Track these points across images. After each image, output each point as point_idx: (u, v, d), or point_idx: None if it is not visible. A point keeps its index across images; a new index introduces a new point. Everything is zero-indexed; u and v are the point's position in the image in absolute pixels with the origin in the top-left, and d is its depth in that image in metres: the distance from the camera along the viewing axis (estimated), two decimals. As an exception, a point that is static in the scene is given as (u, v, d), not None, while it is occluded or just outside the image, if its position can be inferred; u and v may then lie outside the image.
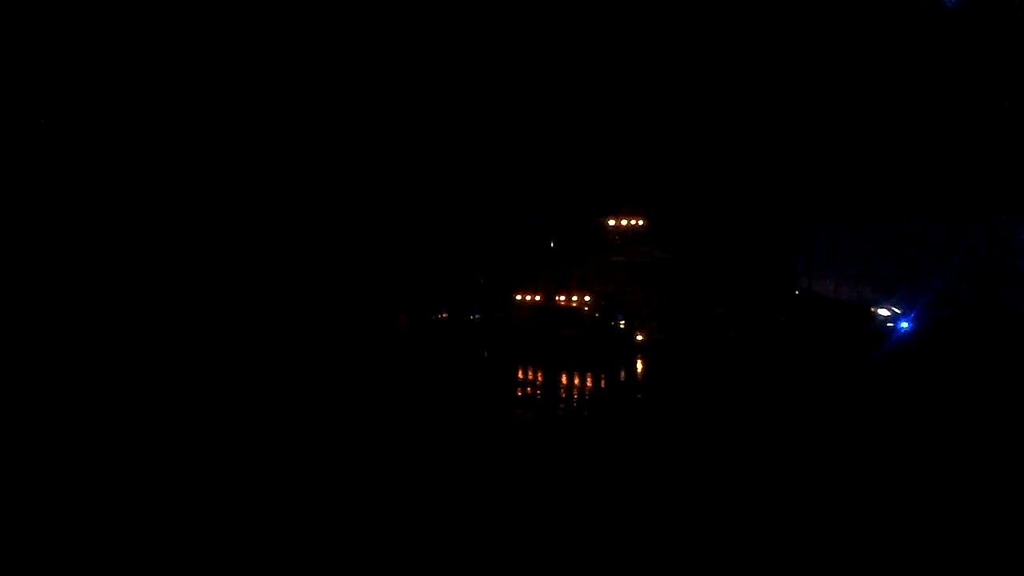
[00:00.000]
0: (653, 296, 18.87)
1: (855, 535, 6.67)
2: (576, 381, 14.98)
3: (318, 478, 8.21)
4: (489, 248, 23.63)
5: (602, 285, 19.93)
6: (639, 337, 18.79)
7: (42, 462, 8.95)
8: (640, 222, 21.41)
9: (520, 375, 15.78)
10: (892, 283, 21.71)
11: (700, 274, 19.30)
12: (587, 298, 20.23)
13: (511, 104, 28.27)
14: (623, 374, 16.13)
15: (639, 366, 16.95)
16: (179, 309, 23.59)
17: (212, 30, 26.48)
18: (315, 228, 26.70)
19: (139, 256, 24.48)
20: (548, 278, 21.16)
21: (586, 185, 26.64)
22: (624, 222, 21.25)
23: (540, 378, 15.30)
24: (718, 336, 18.30)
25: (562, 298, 20.82)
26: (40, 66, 24.64)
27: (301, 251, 26.30)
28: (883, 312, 19.98)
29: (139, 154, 25.53)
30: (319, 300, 25.26)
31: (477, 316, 23.45)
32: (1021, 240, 20.52)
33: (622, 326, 19.29)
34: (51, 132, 24.58)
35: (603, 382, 15.02)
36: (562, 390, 14.03)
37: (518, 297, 22.00)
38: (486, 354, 19.57)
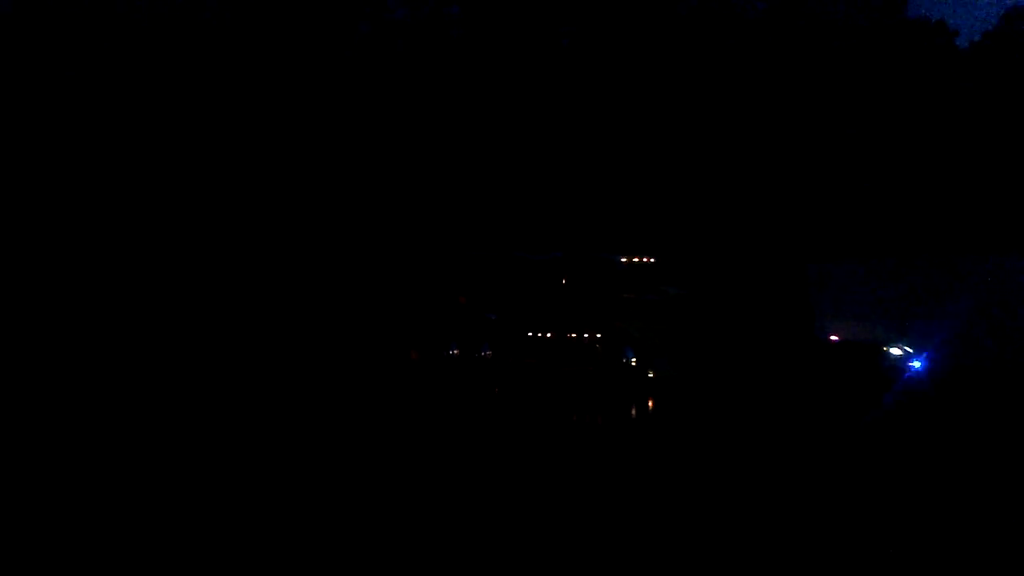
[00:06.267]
0: (664, 333, 18.91)
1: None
2: (587, 417, 14.96)
3: (324, 507, 8.22)
4: (500, 285, 23.68)
5: (613, 322, 19.96)
6: (650, 374, 18.79)
7: (42, 462, 8.98)
8: (651, 259, 21.48)
9: (531, 411, 15.78)
10: (904, 323, 21.60)
11: (711, 311, 19.34)
12: (598, 335, 20.25)
13: (523, 141, 28.48)
14: (634, 410, 16.11)
15: (650, 402, 16.93)
16: (196, 343, 23.68)
17: (217, 39, 26.85)
18: (327, 263, 26.83)
19: (144, 278, 24.59)
20: (559, 315, 21.20)
21: (598, 222, 26.74)
22: (635, 259, 21.33)
23: (551, 414, 15.28)
24: (728, 372, 18.30)
25: (573, 335, 20.83)
26: (41, 66, 24.99)
27: (312, 286, 26.41)
28: (895, 352, 19.92)
29: (143, 162, 25.75)
30: (331, 334, 25.31)
31: (488, 352, 23.43)
32: None
33: (633, 363, 19.30)
34: (51, 132, 24.83)
35: (614, 418, 15.00)
36: (573, 426, 14.03)
37: (529, 333, 22.01)
38: (497, 390, 19.57)
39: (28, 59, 25.00)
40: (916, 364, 19.39)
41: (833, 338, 20.32)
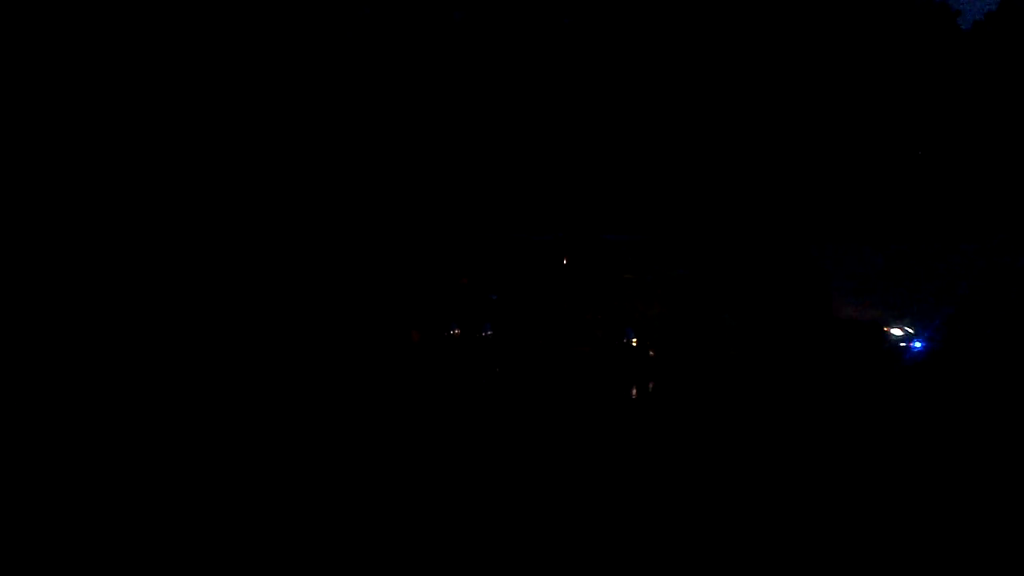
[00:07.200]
0: (666, 313, 18.89)
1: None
2: (589, 398, 15.00)
3: (324, 493, 8.23)
4: (502, 265, 23.67)
5: (614, 302, 19.94)
6: (651, 354, 18.80)
7: (43, 462, 9.00)
8: (654, 239, 21.46)
9: (532, 392, 15.81)
10: (906, 303, 21.65)
11: (713, 292, 19.31)
12: (599, 315, 20.24)
13: (524, 121, 28.42)
14: (635, 391, 16.14)
15: (651, 383, 16.96)
16: (191, 324, 23.66)
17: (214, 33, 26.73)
18: (327, 243, 26.81)
19: (141, 278, 24.56)
20: (561, 295, 21.18)
21: (599, 202, 26.71)
22: (638, 239, 21.31)
23: (553, 395, 15.32)
24: (731, 353, 18.30)
25: (575, 315, 20.82)
26: (41, 66, 24.89)
27: (312, 267, 26.39)
28: (896, 332, 19.96)
29: (139, 156, 25.67)
30: (330, 315, 25.32)
31: (489, 333, 23.43)
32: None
33: (634, 343, 19.30)
34: (52, 132, 24.74)
35: (615, 400, 15.04)
36: (574, 407, 14.06)
37: (531, 314, 22.00)
38: (498, 371, 19.59)
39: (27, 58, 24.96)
40: (917, 344, 19.46)
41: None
